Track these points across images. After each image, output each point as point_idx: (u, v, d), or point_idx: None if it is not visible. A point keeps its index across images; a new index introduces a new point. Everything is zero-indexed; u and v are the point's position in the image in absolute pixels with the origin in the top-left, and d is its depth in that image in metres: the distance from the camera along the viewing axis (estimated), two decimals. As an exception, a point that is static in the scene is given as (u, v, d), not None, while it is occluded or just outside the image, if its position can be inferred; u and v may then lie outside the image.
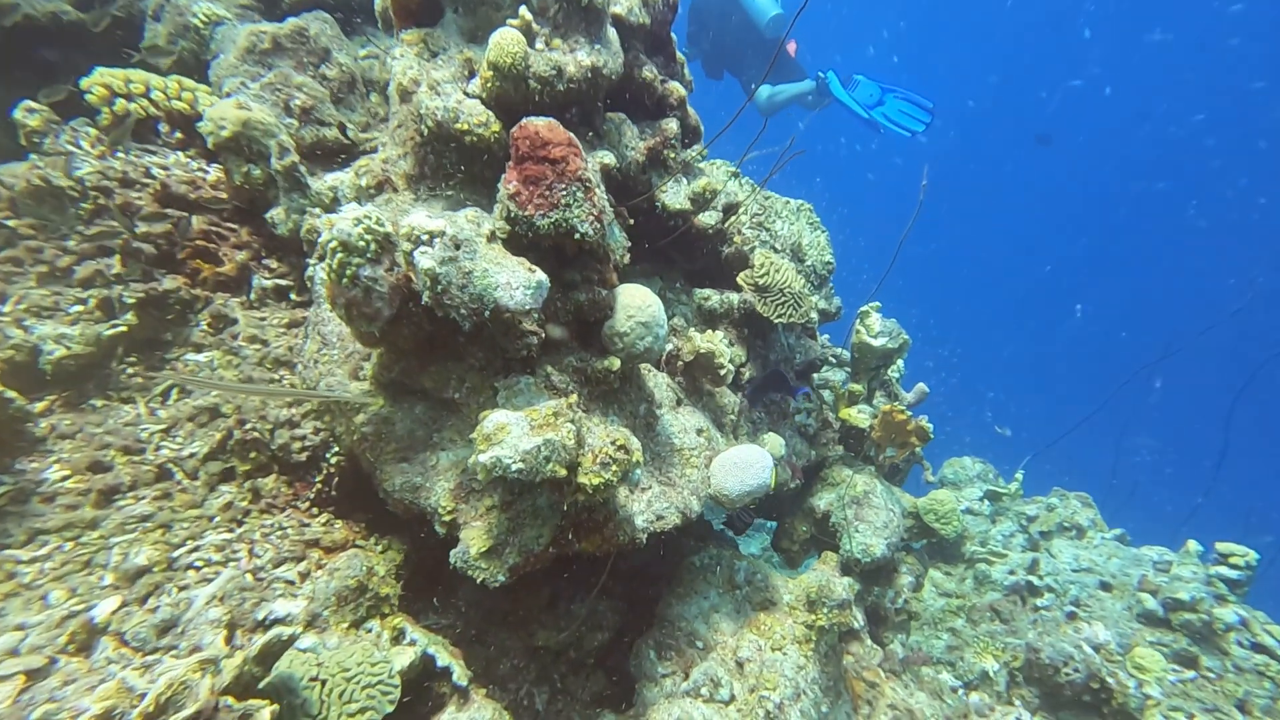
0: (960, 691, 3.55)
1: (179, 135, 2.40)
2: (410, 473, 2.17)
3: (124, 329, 2.03)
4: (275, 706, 1.28)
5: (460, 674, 1.90)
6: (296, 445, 2.17)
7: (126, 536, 1.72)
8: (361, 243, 1.66)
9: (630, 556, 3.72)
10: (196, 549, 1.71)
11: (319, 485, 2.23)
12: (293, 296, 2.60)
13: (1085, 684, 3.13)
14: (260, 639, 1.34)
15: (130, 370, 2.02)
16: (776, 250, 3.34)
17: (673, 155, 2.87)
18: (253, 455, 2.07)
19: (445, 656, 1.88)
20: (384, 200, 2.34)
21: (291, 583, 1.78)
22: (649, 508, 2.53)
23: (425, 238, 1.72)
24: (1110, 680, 3.11)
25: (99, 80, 2.26)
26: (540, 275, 1.92)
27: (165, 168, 2.19)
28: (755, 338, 3.78)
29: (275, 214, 2.40)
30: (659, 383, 2.98)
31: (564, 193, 1.97)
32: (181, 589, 1.61)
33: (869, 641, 3.33)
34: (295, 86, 2.57)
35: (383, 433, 2.17)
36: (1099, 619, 3.57)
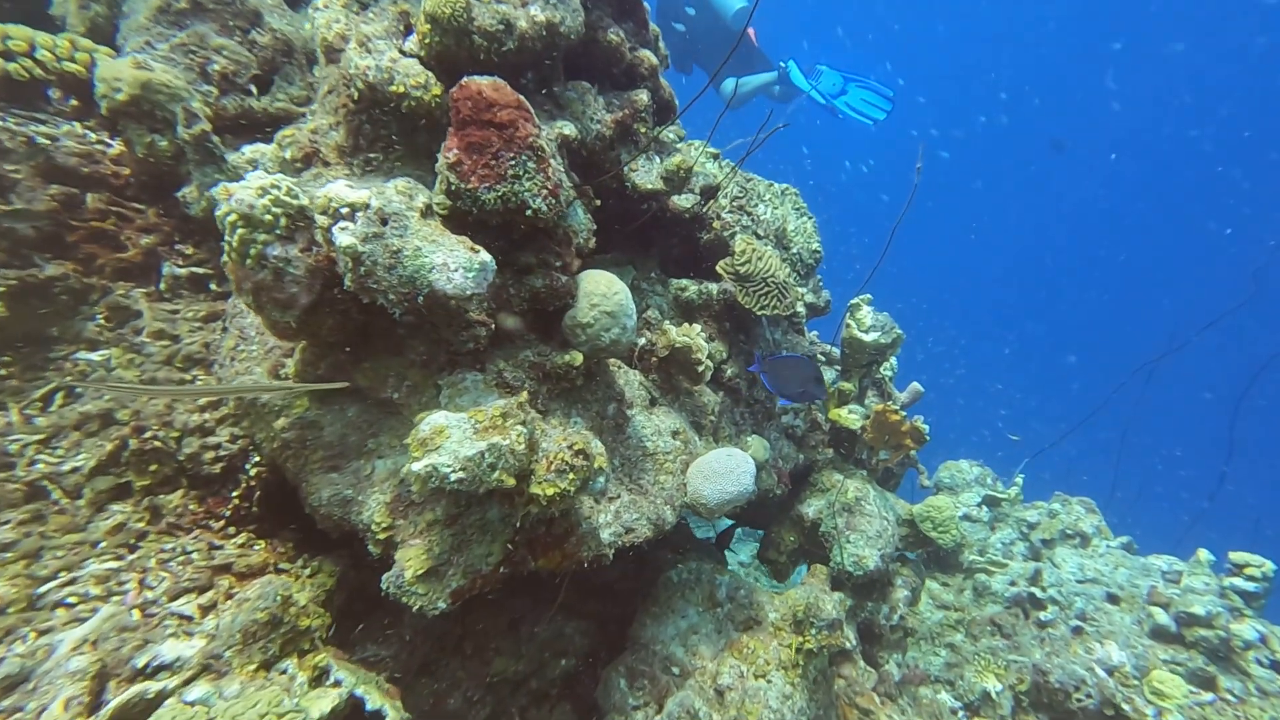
0: (961, 716, 3.41)
1: (74, 103, 2.18)
2: (340, 484, 1.97)
3: (-6, 322, 1.80)
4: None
5: (394, 718, 1.70)
6: (209, 455, 1.96)
7: (-18, 567, 1.50)
8: (268, 216, 1.46)
9: (601, 572, 3.55)
10: (71, 582, 1.50)
11: (236, 501, 2.02)
12: (213, 287, 2.38)
13: (1099, 711, 3.01)
14: (117, 698, 1.13)
15: (1, 371, 1.79)
16: (759, 236, 3.19)
17: (644, 129, 2.70)
18: (153, 468, 1.86)
19: (377, 698, 1.68)
20: (312, 176, 2.13)
21: (189, 618, 1.57)
22: (617, 519, 2.35)
23: (345, 211, 1.52)
24: (1126, 708, 2.97)
25: (-24, 37, 2.04)
26: (484, 256, 1.73)
27: (52, 138, 1.97)
28: (737, 332, 3.62)
29: (188, 192, 2.18)
30: (630, 380, 2.80)
31: (513, 162, 1.79)
32: (43, 633, 1.40)
33: (862, 663, 3.18)
34: (214, 49, 2.36)
35: (308, 439, 1.96)
36: (1108, 634, 3.46)
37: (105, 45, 2.52)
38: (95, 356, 1.95)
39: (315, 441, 1.98)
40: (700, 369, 2.89)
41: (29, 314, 1.87)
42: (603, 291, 2.25)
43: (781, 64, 6.49)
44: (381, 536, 1.90)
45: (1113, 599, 3.79)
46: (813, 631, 2.52)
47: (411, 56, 1.97)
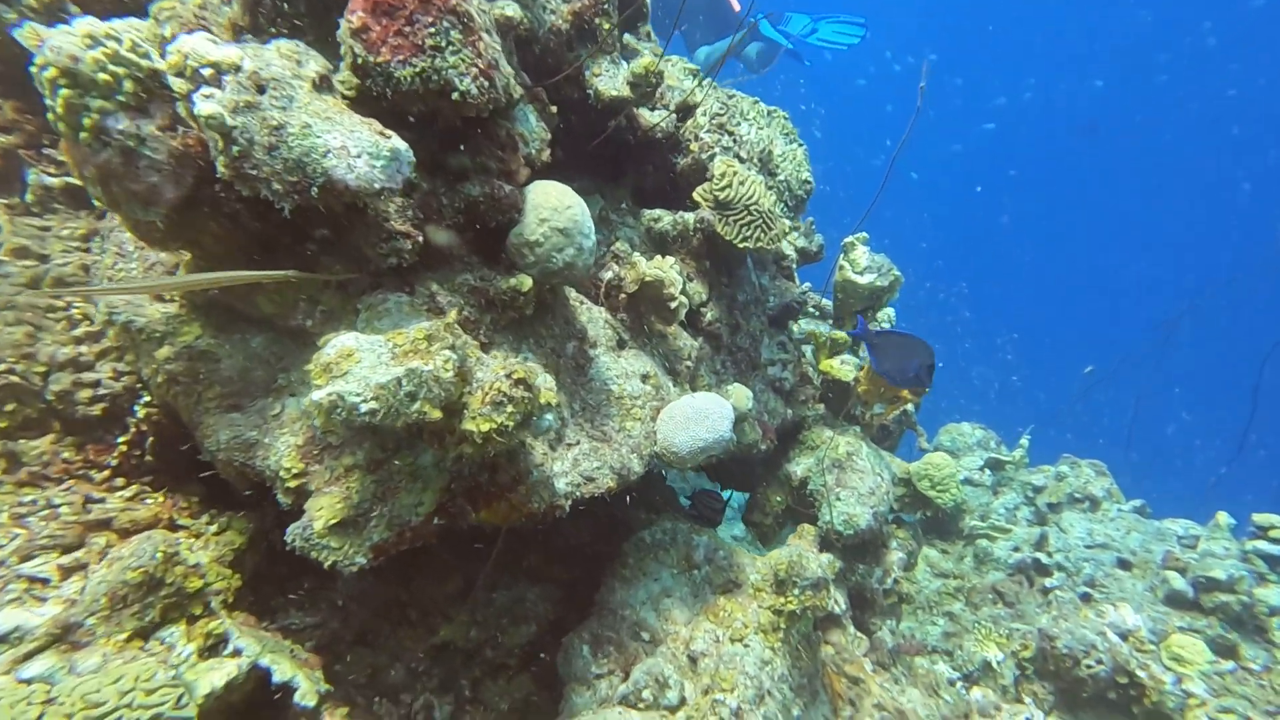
0: (960, 685, 3.30)
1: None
2: (243, 425, 1.74)
3: None
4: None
5: (307, 691, 1.50)
6: (85, 394, 1.72)
7: None
8: (102, 76, 1.19)
9: (570, 534, 3.37)
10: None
11: (124, 448, 1.78)
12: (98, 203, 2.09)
13: (1110, 678, 2.90)
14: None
15: None
16: (742, 160, 2.93)
17: (607, 25, 2.41)
18: (10, 408, 1.61)
19: (287, 668, 1.48)
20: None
21: (43, 581, 1.35)
22: (575, 467, 2.14)
23: (208, 73, 1.25)
24: (1141, 674, 2.86)
25: None
26: (396, 142, 1.48)
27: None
28: (719, 274, 3.38)
29: (53, 82, 1.88)
30: (595, 318, 2.57)
31: (431, 30, 1.52)
32: None
33: (852, 629, 3.04)
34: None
35: (200, 372, 1.72)
36: (1120, 601, 3.35)
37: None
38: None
39: (211, 376, 1.73)
40: (673, 305, 2.66)
41: None
42: (553, 205, 2.00)
43: (752, 19, 6.38)
44: (292, 484, 1.69)
45: (1124, 564, 3.68)
46: (795, 592, 2.36)
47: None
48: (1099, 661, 2.94)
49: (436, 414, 1.54)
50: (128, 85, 1.26)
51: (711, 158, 2.87)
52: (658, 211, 2.94)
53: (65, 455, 1.69)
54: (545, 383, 1.83)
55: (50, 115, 1.24)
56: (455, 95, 1.61)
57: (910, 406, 3.79)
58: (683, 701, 2.21)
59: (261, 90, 1.33)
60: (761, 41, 6.86)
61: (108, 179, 1.31)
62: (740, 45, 7.05)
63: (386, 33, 1.53)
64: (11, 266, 1.80)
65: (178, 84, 1.29)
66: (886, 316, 3.83)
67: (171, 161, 1.38)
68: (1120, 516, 4.16)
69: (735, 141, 2.97)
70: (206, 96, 1.27)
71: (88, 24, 1.21)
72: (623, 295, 2.73)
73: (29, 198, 1.95)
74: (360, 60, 1.55)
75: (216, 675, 1.40)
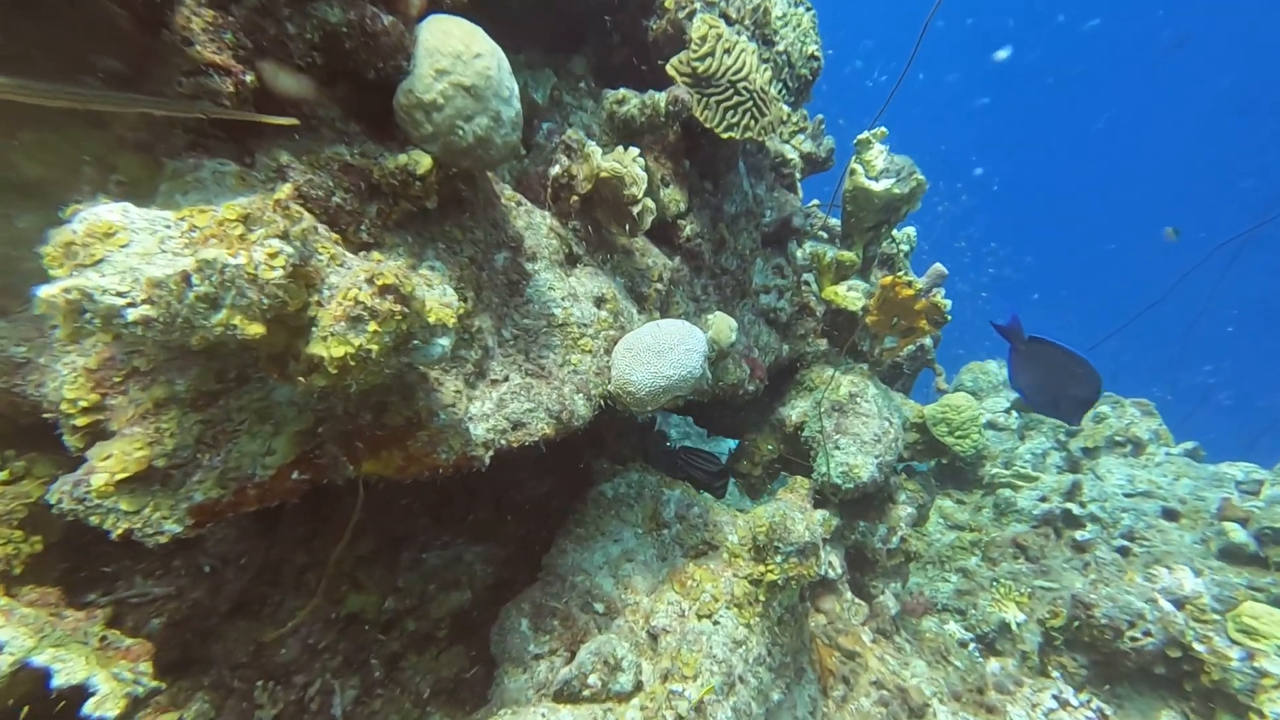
0: (973, 648, 3.00)
1: None
2: (8, 337, 1.32)
3: None
4: None
5: (107, 696, 1.15)
6: None
7: None
8: None
9: (524, 485, 3.02)
10: None
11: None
12: None
13: (1160, 651, 2.57)
14: None
15: None
16: (730, 21, 2.38)
17: None
18: None
19: (78, 667, 1.12)
20: None
21: None
22: (500, 409, 1.74)
23: None
24: (1200, 648, 2.52)
25: None
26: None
27: None
28: (703, 179, 2.89)
29: None
30: (536, 225, 2.11)
31: None
32: None
33: (849, 595, 2.72)
34: None
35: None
36: (1163, 555, 3.01)
37: None
38: None
39: (-33, 275, 1.30)
40: (635, 210, 2.19)
41: None
42: (454, 51, 1.51)
43: None
44: (81, 422, 1.28)
45: (1170, 515, 3.34)
46: (777, 559, 2.00)
47: None
48: (1147, 633, 2.61)
49: (256, 329, 1.11)
50: None
51: (691, 15, 2.32)
52: (622, 91, 2.42)
53: None
54: (438, 296, 1.40)
55: None
56: None
57: (929, 340, 3.35)
58: (638, 687, 1.88)
59: None
60: None
61: None
62: None
63: None
64: None
65: None
66: (907, 237, 3.34)
67: None
68: (1168, 461, 3.79)
69: (722, -1, 2.42)
70: None
71: None
72: (574, 197, 2.26)
73: None
74: None
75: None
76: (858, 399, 2.95)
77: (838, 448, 2.85)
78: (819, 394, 3.06)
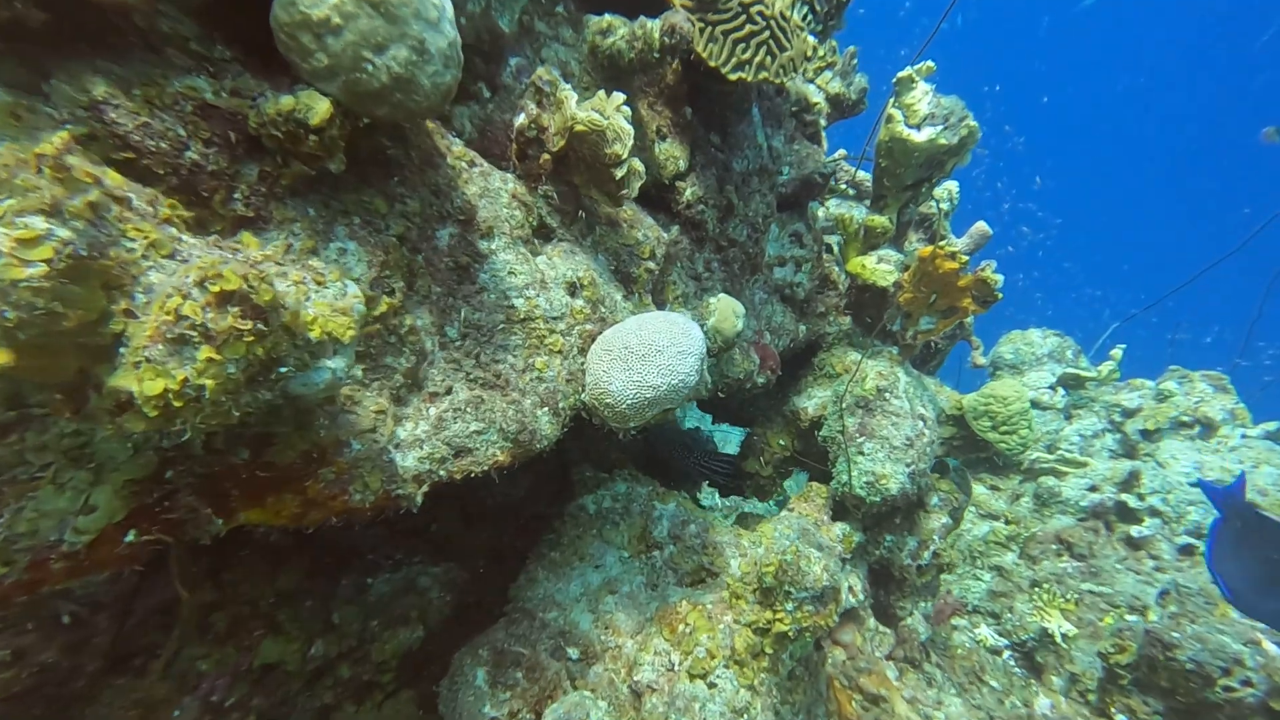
0: (1008, 656, 2.72)
1: None
2: None
3: None
4: None
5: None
6: None
7: None
8: None
9: (498, 487, 2.73)
10: None
11: None
12: None
13: (1262, 704, 2.26)
14: None
15: None
16: (740, -73, 1.93)
17: None
18: None
19: None
20: None
21: None
22: (438, 433, 1.42)
23: None
24: None
25: None
26: None
27: None
28: (707, 129, 2.48)
29: None
30: (495, 191, 1.74)
31: None
32: None
33: (872, 622, 2.43)
34: None
35: None
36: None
37: None
38: None
39: None
40: (619, 172, 1.81)
41: None
42: (352, -49, 1.12)
43: None
44: None
45: (1248, 508, 3.01)
46: (788, 606, 1.69)
47: None
48: (1245, 682, 2.29)
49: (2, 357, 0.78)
50: None
51: (689, -79, 1.88)
52: (608, 18, 2.01)
53: None
54: (330, 299, 1.06)
55: None
56: None
57: (970, 319, 2.96)
58: (614, 759, 1.60)
59: None
60: None
61: None
62: None
63: None
64: None
65: None
66: (948, 194, 2.91)
67: None
68: (1245, 445, 3.42)
69: (731, -104, 1.95)
70: None
71: None
72: (545, 156, 1.87)
73: None
74: None
75: None
76: (887, 394, 2.60)
77: (861, 453, 2.52)
78: (840, 386, 2.70)
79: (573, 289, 1.89)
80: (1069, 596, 3.09)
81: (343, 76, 1.18)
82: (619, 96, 1.84)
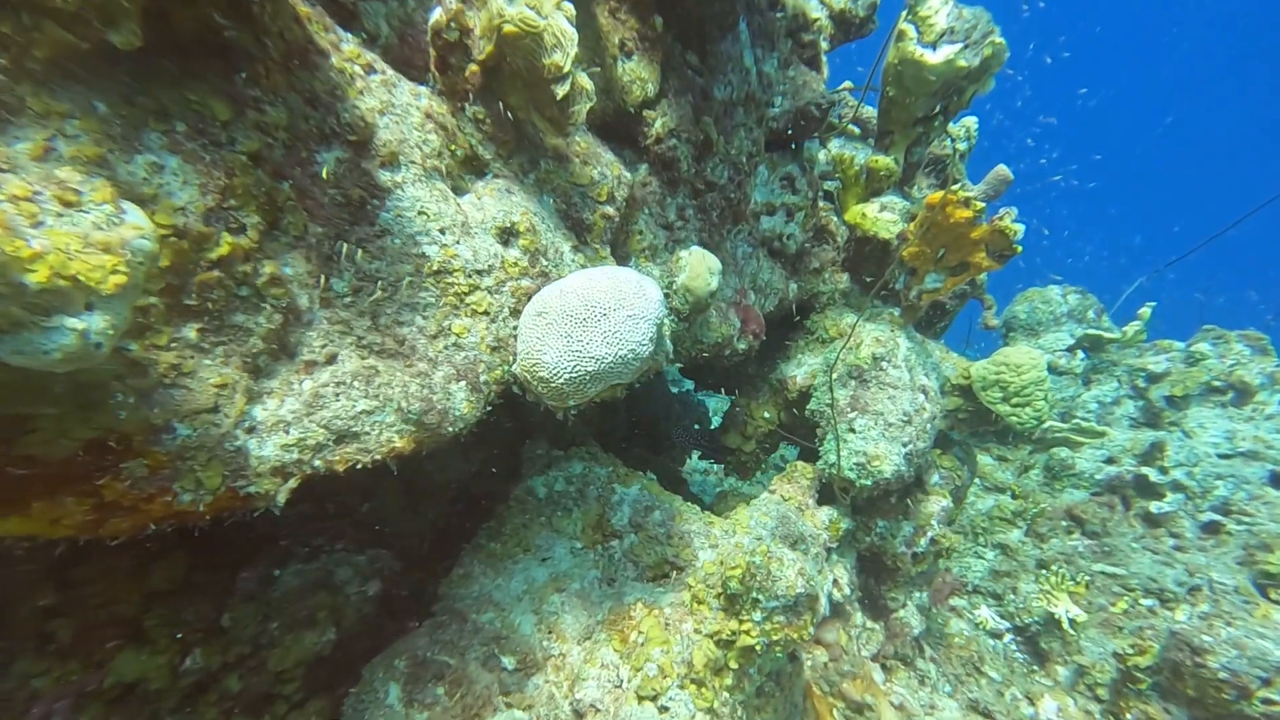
0: (1010, 640, 2.54)
1: None
2: None
3: None
4: None
5: None
6: None
7: None
8: None
9: (444, 461, 2.47)
10: None
11: None
12: None
13: None
14: None
15: None
16: None
17: None
18: None
19: None
20: None
21: None
22: (312, 412, 1.14)
23: None
24: None
25: None
26: None
27: None
28: (683, 46, 2.15)
29: None
30: (401, 107, 1.43)
31: None
32: None
33: (859, 617, 2.22)
34: None
35: None
36: (1272, 539, 2.48)
37: None
38: None
39: None
40: (561, 90, 1.50)
41: None
42: None
43: None
44: None
45: (1280, 481, 2.81)
46: (755, 616, 1.45)
47: None
48: None
49: None
50: None
51: None
52: (551, -101, 1.64)
53: None
54: (86, 227, 0.77)
55: None
56: None
57: (983, 276, 2.67)
58: (546, 791, 1.39)
59: None
60: None
61: None
62: None
63: None
64: None
65: None
66: (965, 132, 2.58)
67: None
68: None
69: None
70: None
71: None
72: (471, 68, 1.55)
73: None
74: None
75: None
76: (884, 363, 2.32)
77: (853, 430, 2.26)
78: (833, 353, 2.42)
79: (506, 236, 1.59)
80: (1079, 578, 2.90)
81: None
82: (562, -5, 1.51)
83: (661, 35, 2.05)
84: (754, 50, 2.39)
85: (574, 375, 1.38)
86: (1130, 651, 2.41)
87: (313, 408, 1.19)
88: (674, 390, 4.08)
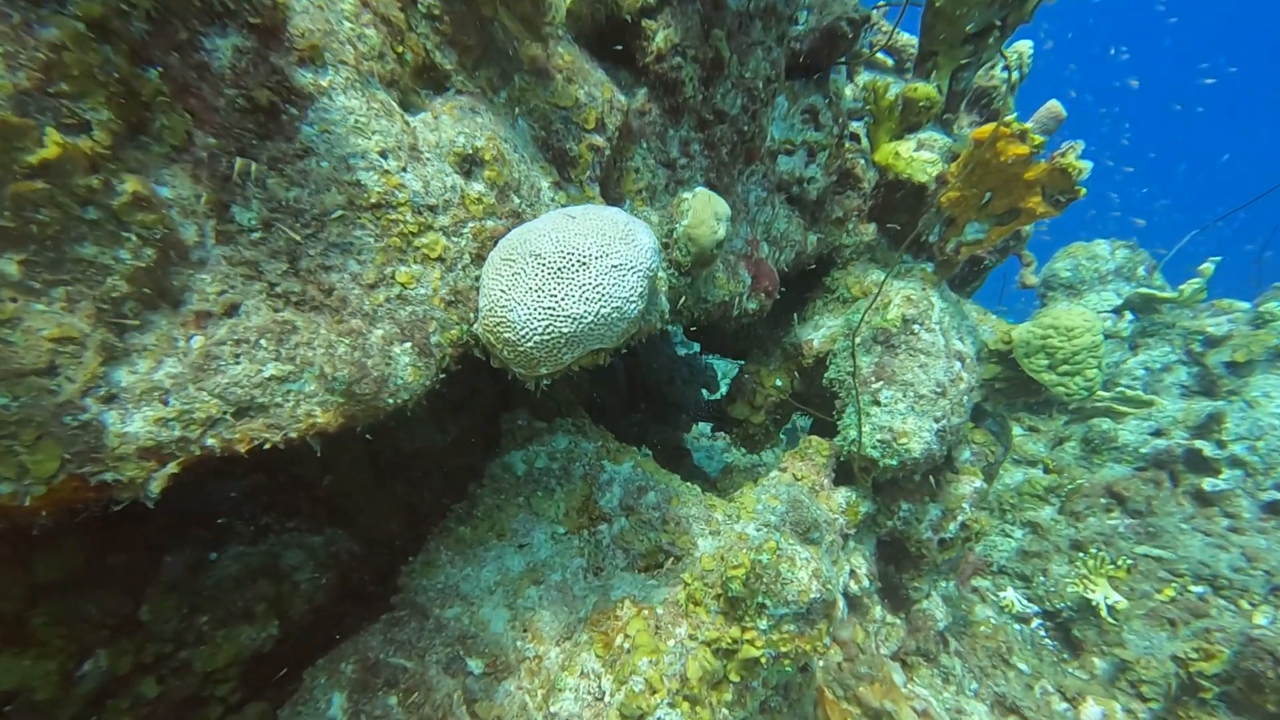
0: (1038, 625, 2.36)
1: None
2: None
3: None
4: None
5: None
6: None
7: None
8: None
9: (413, 431, 2.25)
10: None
11: None
12: None
13: None
14: None
15: None
16: None
17: None
18: None
19: None
20: None
21: None
22: (201, 378, 0.89)
23: None
24: None
25: None
26: None
27: None
28: (692, -56, 1.81)
29: None
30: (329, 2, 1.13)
31: None
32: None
33: (877, 610, 2.01)
34: None
35: None
36: None
37: None
38: None
39: None
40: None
41: None
42: None
43: None
44: None
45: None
46: (761, 624, 1.23)
47: None
48: None
49: None
50: None
51: None
52: None
53: None
54: None
55: None
56: None
57: (1029, 227, 2.39)
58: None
59: None
60: None
61: None
62: None
63: None
64: None
65: None
66: (1017, 58, 2.26)
67: None
68: None
69: None
70: None
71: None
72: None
73: None
74: None
75: None
76: (915, 326, 2.05)
77: (878, 402, 2.01)
78: (855, 314, 2.15)
79: (468, 166, 1.32)
80: (1119, 562, 2.67)
81: None
82: None
83: (664, -71, 1.72)
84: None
85: (546, 337, 1.13)
86: (1194, 656, 2.19)
87: (203, 371, 0.94)
88: (681, 352, 3.83)
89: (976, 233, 2.18)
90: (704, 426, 4.81)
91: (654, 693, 1.29)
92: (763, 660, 1.30)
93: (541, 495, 1.78)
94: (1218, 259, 3.28)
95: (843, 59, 2.31)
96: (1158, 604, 2.60)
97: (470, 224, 1.29)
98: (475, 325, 1.23)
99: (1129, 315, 3.46)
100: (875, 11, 2.91)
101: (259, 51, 1.04)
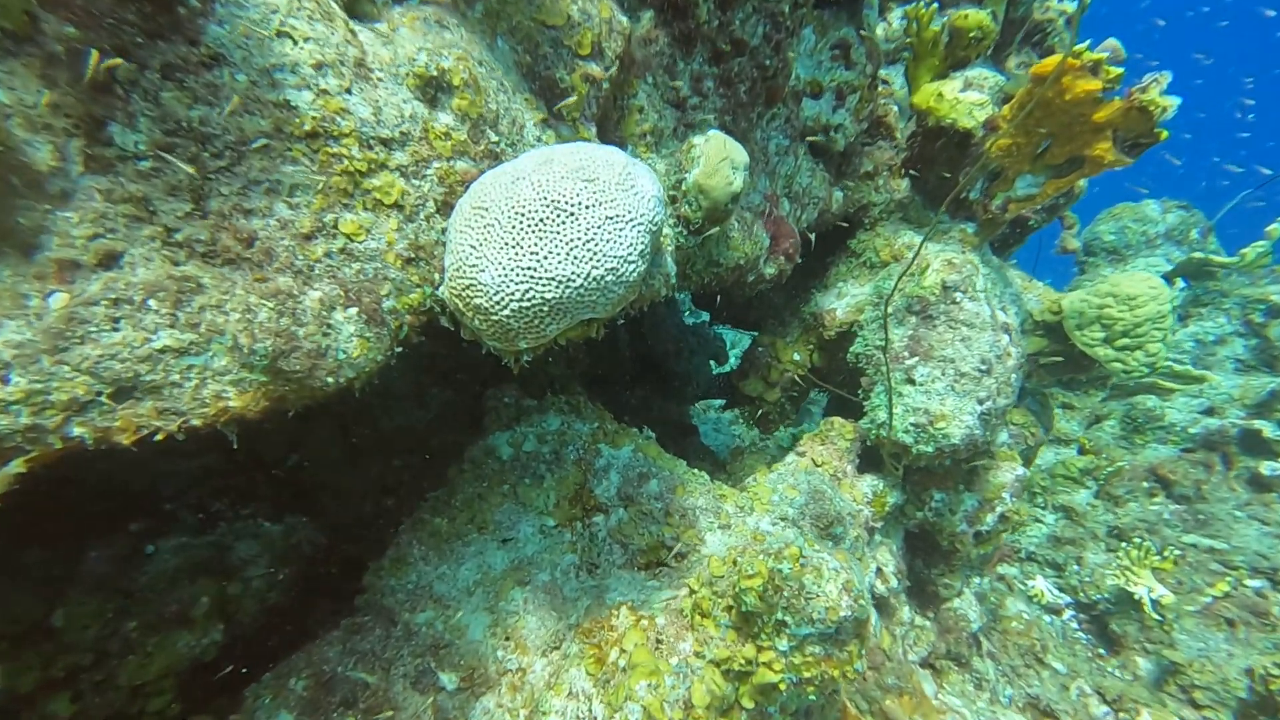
0: (1070, 617, 2.20)
1: None
2: None
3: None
4: None
5: None
6: None
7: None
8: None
9: (390, 406, 2.05)
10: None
11: None
12: None
13: None
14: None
15: None
16: None
17: None
18: None
19: None
20: None
21: None
22: (61, 350, 0.67)
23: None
24: None
25: None
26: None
27: None
28: None
29: None
30: None
31: None
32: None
33: (905, 612, 1.82)
34: None
35: None
36: None
37: None
38: None
39: None
40: None
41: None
42: None
43: None
44: None
45: None
46: (781, 645, 1.04)
47: None
48: None
49: None
50: None
51: None
52: None
53: None
54: None
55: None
56: None
57: (1083, 182, 2.14)
58: None
59: None
60: None
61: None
62: None
63: None
64: None
65: None
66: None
67: None
68: None
69: None
70: None
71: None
72: None
73: None
74: None
75: None
76: (956, 294, 1.82)
77: (912, 381, 1.79)
78: (886, 281, 1.92)
79: (432, 91, 1.09)
80: (1165, 552, 2.48)
81: None
82: None
83: None
84: None
85: (524, 304, 0.91)
86: (1274, 672, 2.00)
87: (66, 340, 0.74)
88: (689, 320, 3.61)
89: (1029, 187, 1.93)
90: (715, 401, 4.60)
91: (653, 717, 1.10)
92: (782, 686, 1.12)
93: (529, 483, 1.58)
94: (1278, 224, 3.02)
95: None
96: (1210, 600, 2.41)
97: (435, 164, 1.06)
98: (440, 288, 1.02)
99: (1180, 282, 3.23)
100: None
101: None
